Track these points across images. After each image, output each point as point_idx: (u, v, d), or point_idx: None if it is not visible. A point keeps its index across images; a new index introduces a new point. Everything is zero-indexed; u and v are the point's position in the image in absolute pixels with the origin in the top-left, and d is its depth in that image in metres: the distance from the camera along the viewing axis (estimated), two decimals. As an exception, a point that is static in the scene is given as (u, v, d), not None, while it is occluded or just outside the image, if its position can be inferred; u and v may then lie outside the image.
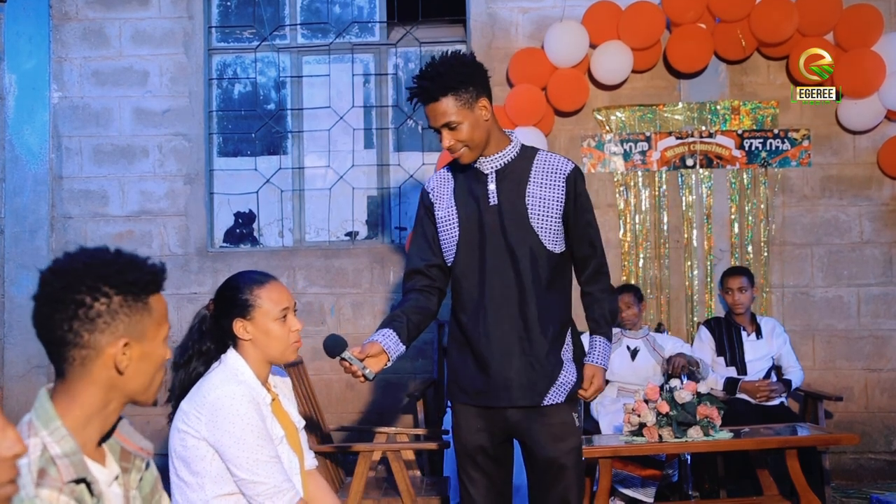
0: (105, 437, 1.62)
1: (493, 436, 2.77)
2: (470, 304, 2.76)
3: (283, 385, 2.57)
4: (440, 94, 2.61)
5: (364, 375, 2.61)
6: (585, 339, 2.90)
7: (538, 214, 2.72)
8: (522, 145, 2.82)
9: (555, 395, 2.72)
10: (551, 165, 2.76)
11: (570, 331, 2.82)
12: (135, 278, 1.55)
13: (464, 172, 2.81)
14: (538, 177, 2.74)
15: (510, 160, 2.76)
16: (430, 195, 2.86)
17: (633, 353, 4.80)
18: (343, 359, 2.60)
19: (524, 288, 2.70)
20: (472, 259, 2.75)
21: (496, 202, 2.74)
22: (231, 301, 2.40)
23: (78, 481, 1.46)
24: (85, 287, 1.50)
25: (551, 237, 2.74)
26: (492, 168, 2.76)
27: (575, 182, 2.76)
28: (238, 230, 5.89)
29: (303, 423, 2.58)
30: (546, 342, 2.72)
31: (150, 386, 1.61)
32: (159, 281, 1.61)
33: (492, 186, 2.74)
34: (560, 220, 2.75)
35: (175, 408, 2.37)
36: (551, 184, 2.74)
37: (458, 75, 2.63)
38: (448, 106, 2.62)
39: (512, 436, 2.81)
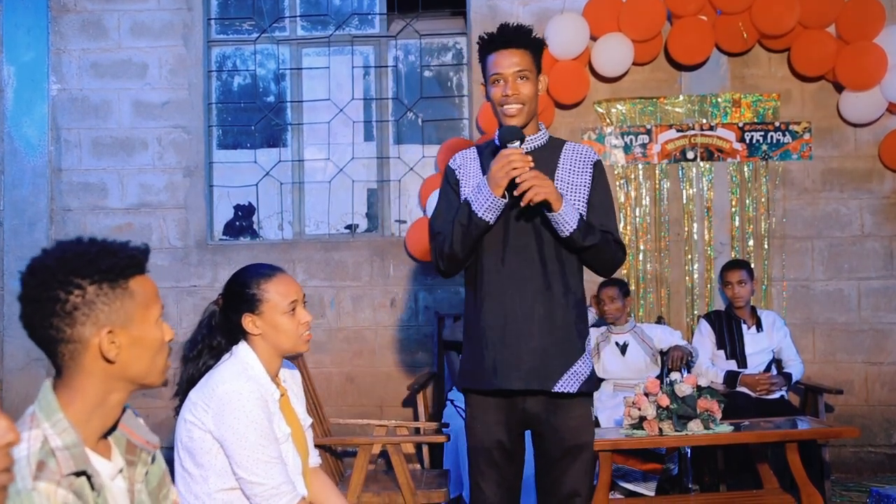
0: (111, 430, 1.61)
1: (511, 428, 2.75)
2: (491, 283, 2.73)
3: (292, 380, 2.56)
4: (525, 45, 2.74)
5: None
6: (595, 333, 2.88)
7: (566, 198, 2.70)
8: (550, 136, 2.87)
9: (567, 383, 2.68)
10: (579, 154, 2.81)
11: (586, 322, 2.82)
12: (109, 265, 1.53)
13: (491, 154, 2.79)
14: (567, 164, 2.78)
15: (539, 146, 2.80)
16: (456, 172, 2.86)
17: (623, 348, 4.80)
18: (519, 145, 2.65)
19: (548, 268, 2.69)
20: (495, 237, 2.73)
21: None
22: (239, 296, 2.39)
23: (78, 474, 1.45)
24: (57, 283, 1.49)
25: None
26: (521, 150, 2.76)
27: (601, 170, 2.82)
28: (238, 223, 5.88)
29: (309, 421, 2.57)
30: (568, 326, 2.70)
31: (151, 369, 1.59)
32: (138, 263, 1.58)
33: None
34: (586, 206, 2.76)
35: (182, 401, 2.36)
36: (580, 170, 2.78)
37: (539, 42, 2.79)
38: (526, 58, 2.74)
39: (528, 427, 2.79)
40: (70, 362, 1.52)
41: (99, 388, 1.53)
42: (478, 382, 2.75)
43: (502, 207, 2.65)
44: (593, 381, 2.78)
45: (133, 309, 1.55)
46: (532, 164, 2.60)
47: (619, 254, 2.78)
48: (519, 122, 2.72)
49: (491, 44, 2.75)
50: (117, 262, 1.54)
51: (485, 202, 2.63)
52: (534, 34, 2.78)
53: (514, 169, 2.57)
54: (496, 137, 2.77)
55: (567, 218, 2.63)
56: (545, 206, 2.61)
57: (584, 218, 2.69)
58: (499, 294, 2.71)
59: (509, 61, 2.70)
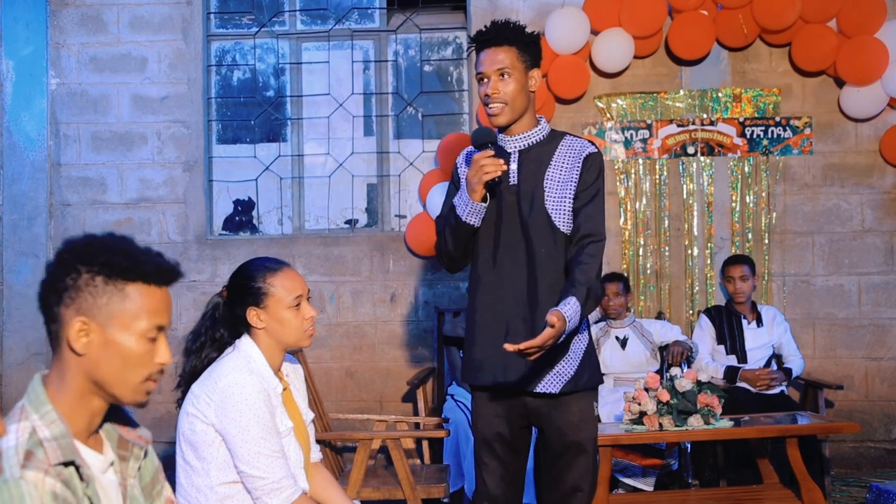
0: (102, 424, 1.61)
1: (512, 423, 2.77)
2: (481, 281, 2.77)
3: (294, 375, 2.56)
4: (507, 42, 2.71)
5: (501, 174, 2.64)
6: (595, 329, 2.86)
7: (554, 197, 2.71)
8: (551, 129, 2.84)
9: (549, 384, 2.69)
10: (573, 150, 2.77)
11: (586, 324, 2.80)
12: (107, 259, 1.52)
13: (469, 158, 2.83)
14: (560, 160, 2.75)
15: (535, 142, 2.78)
16: (459, 170, 2.92)
17: (623, 343, 4.80)
18: (490, 147, 2.66)
19: (535, 268, 2.70)
20: (487, 236, 2.76)
21: (516, 182, 2.75)
22: (244, 289, 2.38)
23: (66, 464, 1.46)
24: (64, 264, 1.53)
25: (566, 220, 2.72)
26: (515, 148, 2.77)
27: (591, 163, 2.75)
28: (237, 218, 5.87)
29: (311, 415, 2.57)
30: None
31: (120, 380, 1.53)
32: (142, 271, 1.54)
33: (513, 166, 2.76)
34: (573, 201, 2.73)
35: (185, 393, 2.36)
36: (570, 167, 2.74)
37: (528, 36, 2.75)
38: (509, 55, 2.70)
39: (531, 422, 2.80)
40: (55, 344, 1.55)
41: (78, 383, 1.53)
42: (469, 377, 2.82)
43: (483, 211, 2.69)
44: (585, 379, 2.74)
45: (119, 312, 1.52)
46: (505, 168, 2.63)
47: (598, 268, 2.69)
48: (504, 120, 2.72)
49: (477, 42, 2.76)
50: (118, 262, 1.53)
51: (466, 207, 2.68)
52: (525, 30, 2.75)
53: (486, 174, 2.60)
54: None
55: (573, 326, 2.53)
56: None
57: (580, 297, 2.55)
58: (489, 293, 2.75)
59: (491, 59, 2.70)
